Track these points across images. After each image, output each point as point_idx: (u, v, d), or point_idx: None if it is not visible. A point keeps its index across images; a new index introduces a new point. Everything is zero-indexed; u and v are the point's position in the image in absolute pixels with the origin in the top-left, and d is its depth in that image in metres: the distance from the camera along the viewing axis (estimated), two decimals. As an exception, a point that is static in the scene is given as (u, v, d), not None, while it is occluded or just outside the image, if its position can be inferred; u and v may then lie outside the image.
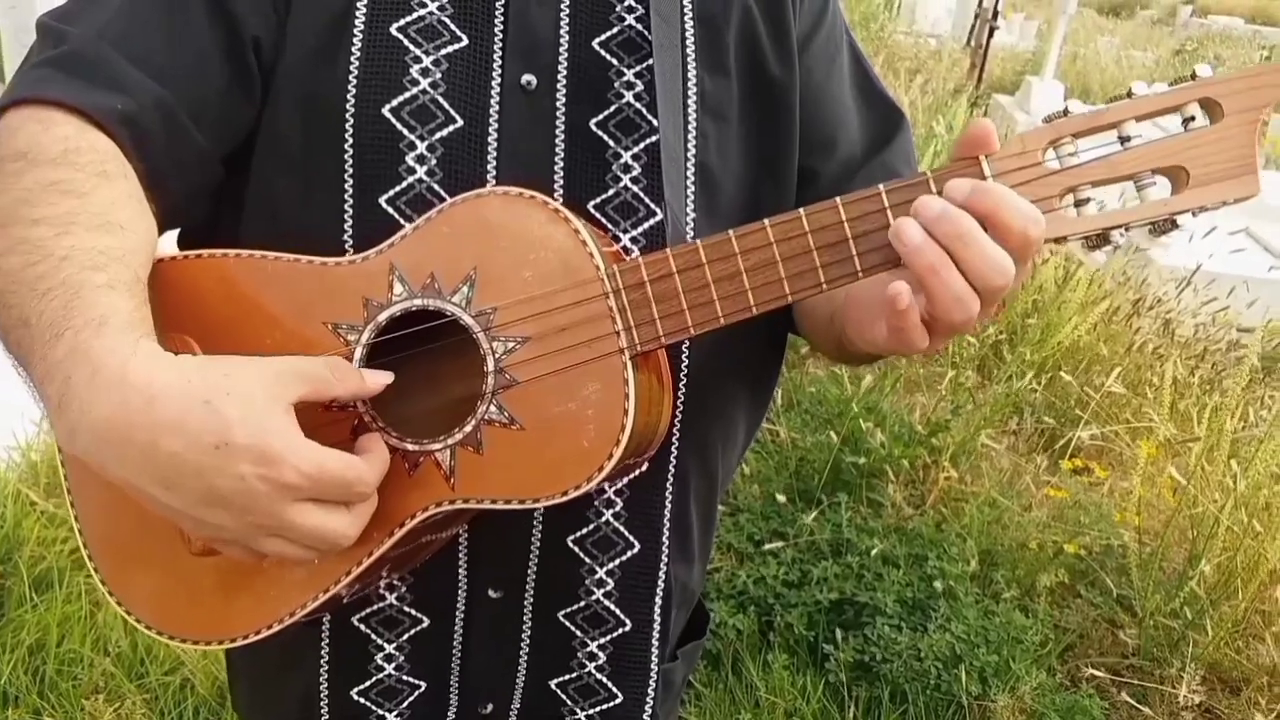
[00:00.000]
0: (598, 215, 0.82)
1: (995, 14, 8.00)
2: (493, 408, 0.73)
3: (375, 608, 0.88)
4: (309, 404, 0.68)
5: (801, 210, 0.72)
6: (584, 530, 0.88)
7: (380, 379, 0.73)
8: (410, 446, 0.74)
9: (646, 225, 0.82)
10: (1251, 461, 2.31)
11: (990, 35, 7.99)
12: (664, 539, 0.90)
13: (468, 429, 0.73)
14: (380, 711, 0.91)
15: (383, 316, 0.75)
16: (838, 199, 0.72)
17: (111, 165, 0.74)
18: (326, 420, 0.74)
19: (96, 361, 0.63)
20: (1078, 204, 0.70)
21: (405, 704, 0.91)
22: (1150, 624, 2.28)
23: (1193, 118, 0.69)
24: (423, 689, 0.91)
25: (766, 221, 0.72)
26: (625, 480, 0.87)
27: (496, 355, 0.73)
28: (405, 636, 0.90)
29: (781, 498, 2.52)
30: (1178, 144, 0.69)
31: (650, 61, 0.83)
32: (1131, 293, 3.39)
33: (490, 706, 0.93)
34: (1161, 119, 0.70)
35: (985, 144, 0.70)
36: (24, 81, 0.77)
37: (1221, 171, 0.68)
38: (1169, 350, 3.07)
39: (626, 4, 0.85)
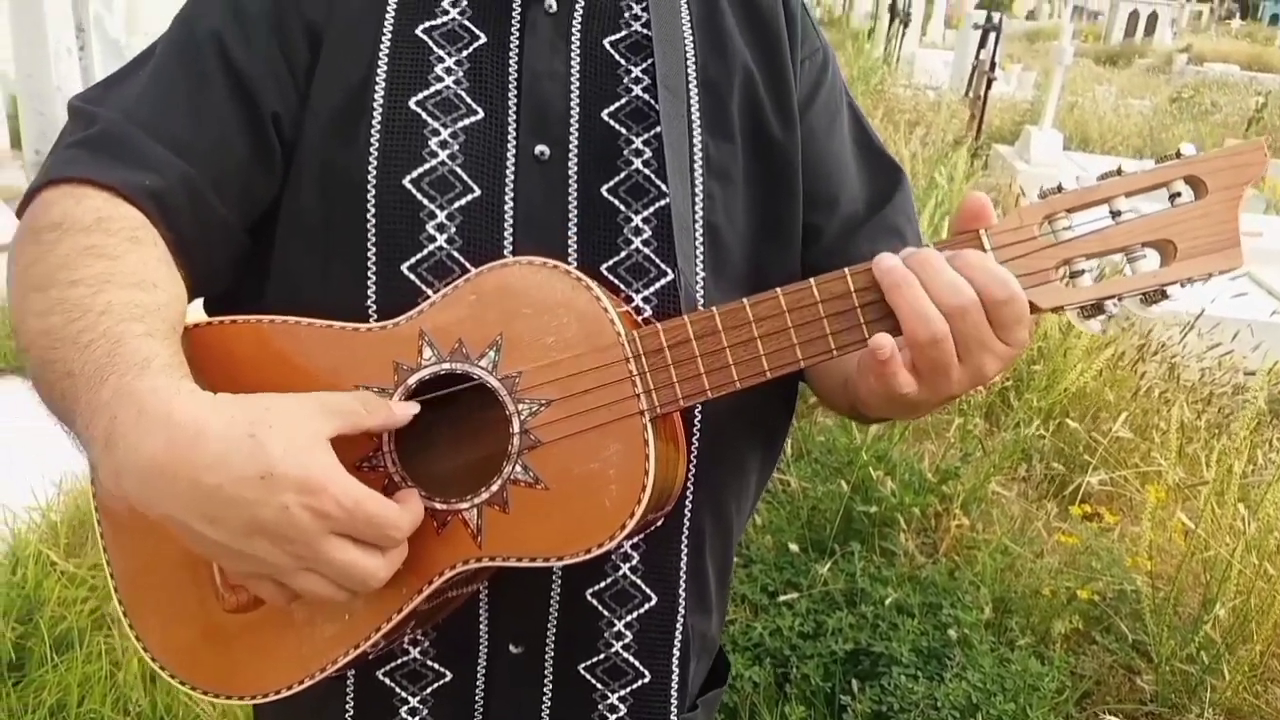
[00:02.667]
0: (610, 277, 0.85)
1: (993, 65, 8.13)
2: (518, 468, 0.76)
3: (399, 662, 0.91)
4: (343, 460, 0.72)
5: (812, 280, 0.76)
6: (602, 584, 0.90)
7: (408, 410, 0.76)
8: (439, 505, 0.77)
9: (658, 285, 0.86)
10: (1260, 504, 2.32)
11: (988, 87, 8.11)
12: (681, 591, 0.93)
13: (494, 488, 0.76)
14: None
15: (412, 380, 0.78)
16: (846, 270, 0.76)
17: (142, 233, 0.79)
18: (358, 477, 0.77)
19: (141, 401, 0.67)
20: (1073, 275, 0.74)
21: None
22: (1166, 669, 2.27)
23: (1179, 193, 0.72)
24: None
25: (779, 290, 0.76)
26: (641, 535, 0.89)
27: (522, 417, 0.76)
28: (428, 690, 0.92)
29: (795, 547, 2.54)
30: (1165, 219, 0.72)
31: (657, 129, 0.88)
32: (1136, 338, 3.41)
33: None
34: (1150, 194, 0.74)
35: (982, 217, 0.74)
36: (57, 162, 0.83)
37: (1207, 245, 0.72)
38: (1175, 395, 3.09)
39: (633, 75, 0.89)
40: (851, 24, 17.82)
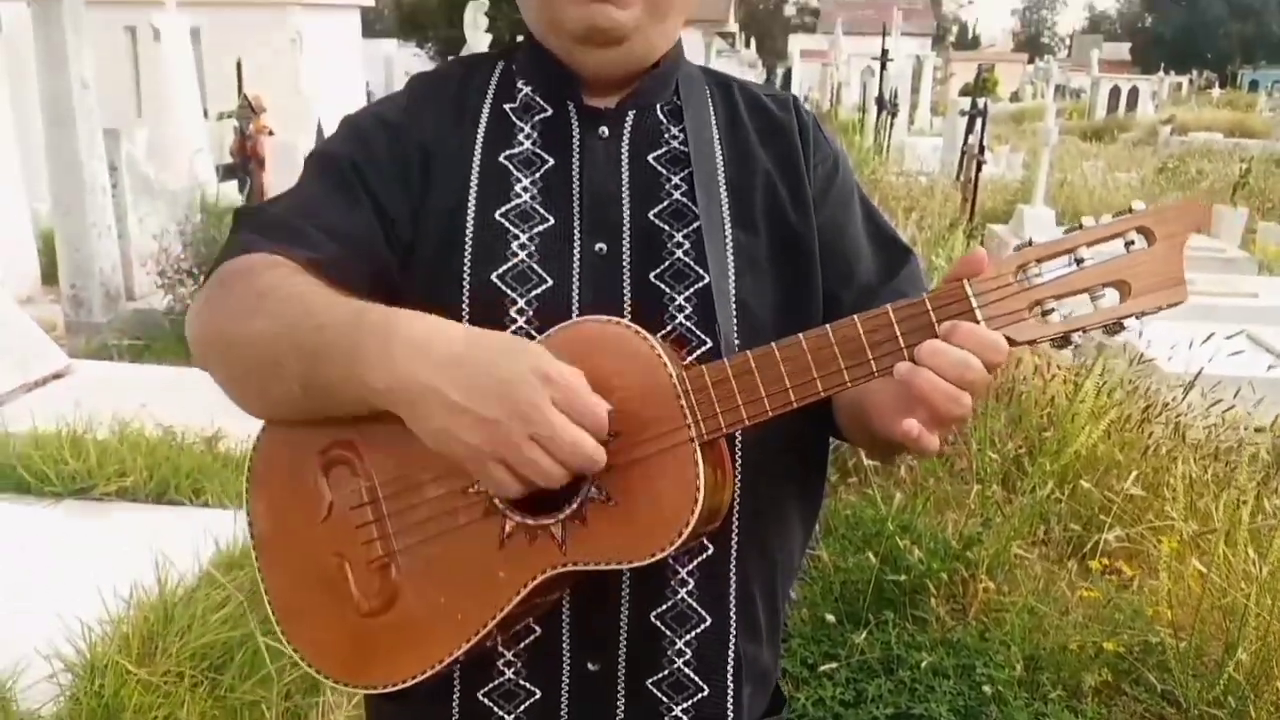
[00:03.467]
0: (672, 343, 1.01)
1: (981, 149, 8.45)
2: (594, 488, 0.91)
3: (495, 683, 1.04)
4: (454, 488, 0.91)
5: (828, 326, 0.90)
6: (664, 606, 1.04)
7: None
8: (530, 522, 0.92)
9: (699, 354, 1.02)
10: (1270, 549, 2.44)
11: (979, 170, 8.41)
12: (731, 614, 1.06)
13: (575, 505, 0.91)
14: None
15: None
16: (855, 316, 0.90)
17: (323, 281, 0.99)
18: (465, 503, 0.93)
19: (410, 315, 0.90)
20: (1044, 313, 0.87)
21: None
22: (1195, 714, 2.37)
23: (1132, 241, 0.86)
24: None
25: (801, 335, 0.91)
26: (695, 562, 1.04)
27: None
28: (522, 708, 1.05)
29: (830, 618, 2.65)
30: (1121, 264, 0.86)
31: (695, 224, 1.05)
32: (1141, 401, 3.56)
33: None
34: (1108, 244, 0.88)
35: (977, 267, 0.88)
36: (233, 244, 1.03)
37: (1157, 284, 0.85)
38: (1182, 451, 3.23)
39: (674, 183, 1.07)
40: (840, 117, 18.39)
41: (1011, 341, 0.87)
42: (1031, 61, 58.42)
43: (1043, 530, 2.99)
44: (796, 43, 47.83)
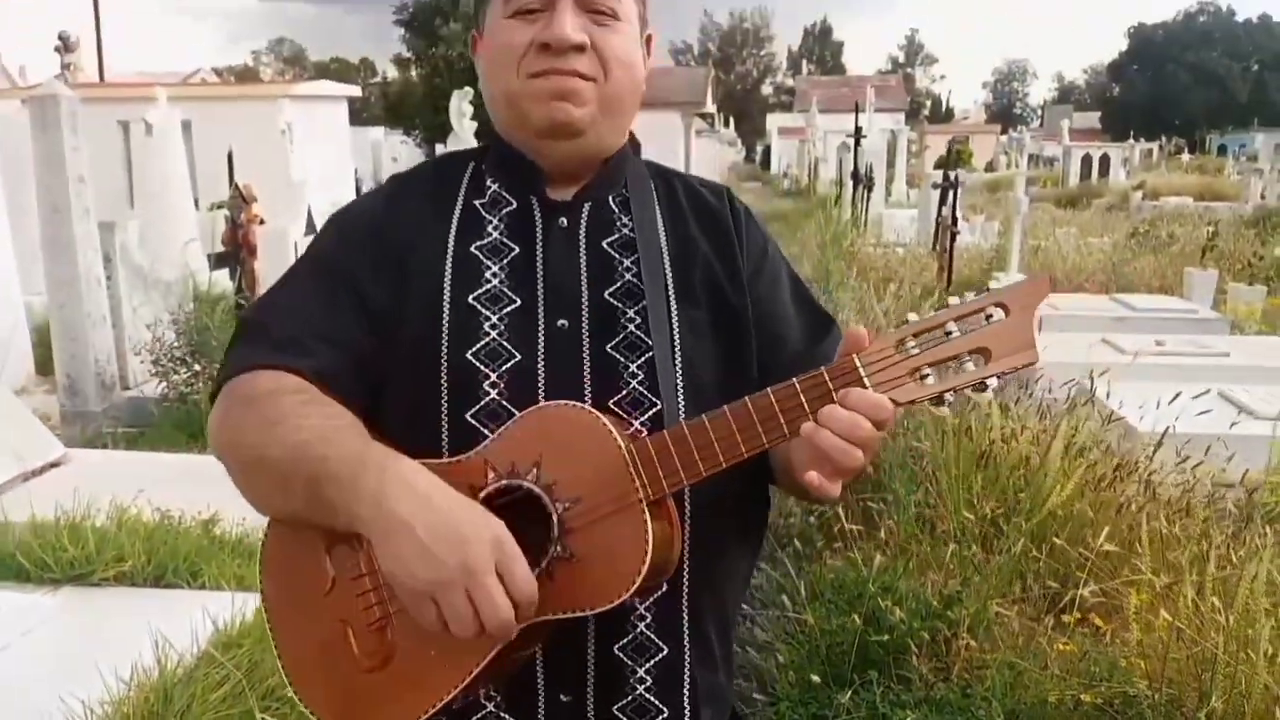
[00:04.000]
0: (615, 409, 1.15)
1: (954, 220, 8.69)
2: (558, 548, 1.03)
3: (479, 716, 1.15)
4: None
5: (747, 398, 1.05)
6: (625, 639, 1.16)
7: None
8: None
9: (650, 414, 1.15)
10: (1235, 598, 2.53)
11: (953, 240, 8.64)
12: (685, 644, 1.18)
13: (544, 564, 1.03)
14: None
15: (481, 495, 1.06)
16: (769, 389, 1.04)
17: (323, 395, 1.13)
18: None
19: (402, 461, 1.04)
20: (921, 378, 1.01)
21: None
22: (1173, 762, 2.43)
23: (991, 314, 1.00)
24: None
25: (726, 408, 1.05)
26: (650, 600, 1.15)
27: (559, 512, 1.04)
28: None
29: (816, 679, 2.72)
30: (982, 335, 1.00)
31: (644, 302, 1.20)
32: (1113, 459, 3.68)
33: None
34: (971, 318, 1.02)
35: (861, 344, 1.02)
36: (245, 355, 1.17)
37: (1012, 349, 0.99)
38: (1152, 507, 3.33)
39: (625, 264, 1.22)
40: (818, 191, 18.79)
41: (895, 402, 1.01)
42: (1005, 132, 59.84)
43: (1020, 588, 3.07)
44: (775, 121, 49.10)
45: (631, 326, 1.19)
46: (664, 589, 1.15)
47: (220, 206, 8.72)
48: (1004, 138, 55.40)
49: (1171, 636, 2.59)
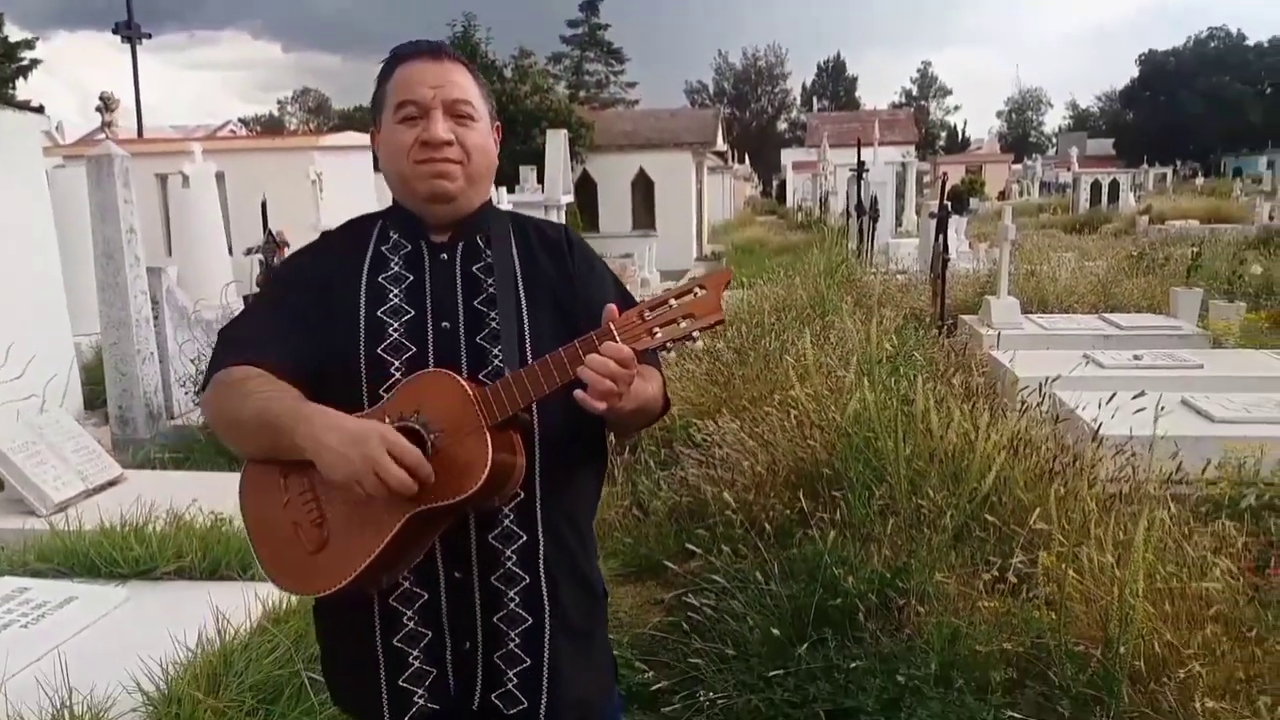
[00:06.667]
0: (484, 380, 1.63)
1: (945, 248, 9.16)
2: (433, 459, 1.51)
3: (399, 591, 1.66)
4: None
5: (548, 354, 1.52)
6: (496, 530, 1.67)
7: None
8: None
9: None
10: (1130, 559, 2.98)
11: (945, 266, 9.10)
12: (539, 532, 1.69)
13: None
14: (411, 650, 1.67)
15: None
16: (561, 348, 1.53)
17: (274, 377, 1.65)
18: None
19: (322, 410, 1.54)
20: (652, 334, 1.49)
21: (422, 645, 1.68)
22: (1075, 695, 2.87)
23: (696, 292, 1.50)
24: (429, 635, 1.67)
25: (535, 361, 1.55)
26: (514, 503, 1.65)
27: (430, 438, 1.53)
28: (416, 605, 1.67)
29: (776, 632, 3.18)
30: (687, 304, 1.50)
31: (498, 307, 1.71)
32: (1052, 454, 4.12)
33: (468, 644, 1.68)
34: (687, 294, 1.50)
35: (613, 316, 1.51)
36: (224, 358, 1.71)
37: (706, 312, 1.49)
38: (1087, 491, 3.77)
39: (488, 282, 1.73)
40: (828, 224, 19.29)
41: (635, 350, 1.50)
42: (1018, 161, 60.25)
43: (959, 560, 3.52)
44: (789, 156, 49.79)
45: (493, 324, 1.70)
46: (521, 495, 1.65)
47: (255, 251, 9.32)
48: (1017, 166, 55.77)
49: (1077, 591, 3.03)
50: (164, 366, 7.03)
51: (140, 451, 6.52)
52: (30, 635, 3.43)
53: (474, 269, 1.74)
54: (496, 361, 1.66)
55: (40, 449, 5.17)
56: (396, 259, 1.74)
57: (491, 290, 1.71)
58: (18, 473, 4.95)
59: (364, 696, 1.71)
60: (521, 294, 1.73)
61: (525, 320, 1.71)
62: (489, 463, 1.49)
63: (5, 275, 6.23)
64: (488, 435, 1.51)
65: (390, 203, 1.81)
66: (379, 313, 1.68)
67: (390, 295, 1.71)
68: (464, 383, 1.55)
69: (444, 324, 1.69)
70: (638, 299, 1.67)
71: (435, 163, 1.68)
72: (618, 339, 1.49)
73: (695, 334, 1.50)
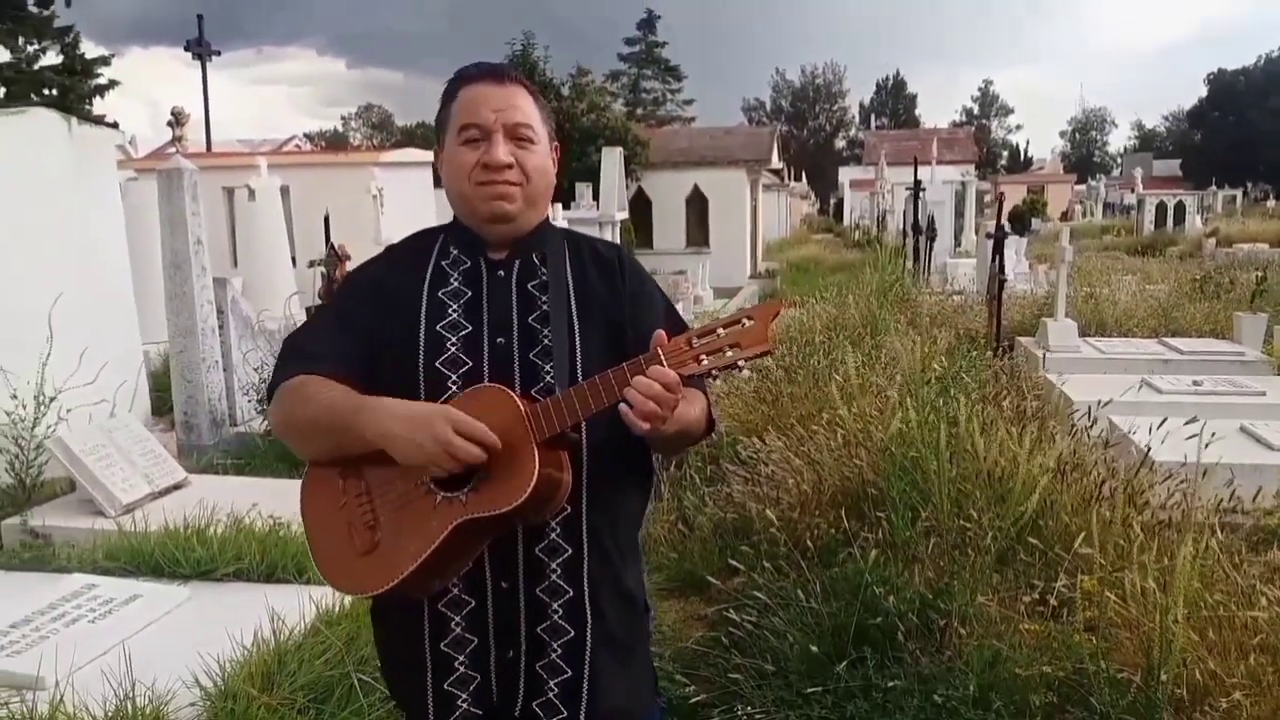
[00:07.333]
0: (536, 396, 1.69)
1: (1001, 269, 9.08)
2: (482, 471, 1.59)
3: (448, 597, 1.73)
4: (410, 483, 1.62)
5: (597, 375, 1.56)
6: (543, 543, 1.72)
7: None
8: (448, 495, 1.60)
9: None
10: (1176, 584, 2.96)
11: (1001, 288, 9.03)
12: (584, 546, 1.74)
13: (472, 484, 1.59)
14: (458, 655, 1.73)
15: None
16: (610, 370, 1.58)
17: (335, 382, 1.74)
18: (415, 489, 1.62)
19: (384, 400, 1.64)
20: (698, 360, 1.55)
21: (468, 651, 1.74)
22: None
23: (744, 322, 1.55)
24: (475, 642, 1.74)
25: (585, 381, 1.60)
26: (560, 517, 1.70)
27: None
28: (464, 611, 1.74)
29: (816, 649, 3.21)
30: (735, 334, 1.54)
31: (551, 325, 1.77)
32: (1101, 477, 4.10)
33: (511, 652, 1.74)
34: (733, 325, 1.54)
35: (661, 342, 1.56)
36: (289, 369, 1.79)
37: (753, 342, 1.53)
38: (1133, 517, 3.75)
39: (543, 300, 1.79)
40: (885, 243, 19.19)
41: (681, 375, 1.55)
42: (1082, 181, 59.29)
43: (1000, 580, 3.52)
44: (846, 174, 49.60)
45: (546, 341, 1.75)
46: (567, 509, 1.70)
47: (317, 263, 9.56)
48: (1080, 187, 54.87)
49: (1120, 618, 3.02)
50: (228, 375, 7.25)
51: (204, 457, 6.73)
52: (97, 630, 3.59)
53: (529, 286, 1.80)
54: (548, 378, 1.72)
55: (109, 452, 5.37)
56: (456, 274, 1.81)
57: (545, 308, 1.77)
58: (88, 474, 5.16)
59: (413, 696, 1.79)
60: (574, 312, 1.79)
61: (577, 337, 1.76)
62: (534, 477, 1.55)
63: (80, 284, 6.47)
64: (535, 451, 1.57)
65: (451, 217, 1.89)
66: (438, 327, 1.75)
67: (449, 310, 1.77)
68: (517, 399, 1.61)
69: (499, 340, 1.75)
70: (690, 316, 1.72)
71: (496, 184, 1.74)
72: (665, 364, 1.55)
73: (741, 363, 1.54)
